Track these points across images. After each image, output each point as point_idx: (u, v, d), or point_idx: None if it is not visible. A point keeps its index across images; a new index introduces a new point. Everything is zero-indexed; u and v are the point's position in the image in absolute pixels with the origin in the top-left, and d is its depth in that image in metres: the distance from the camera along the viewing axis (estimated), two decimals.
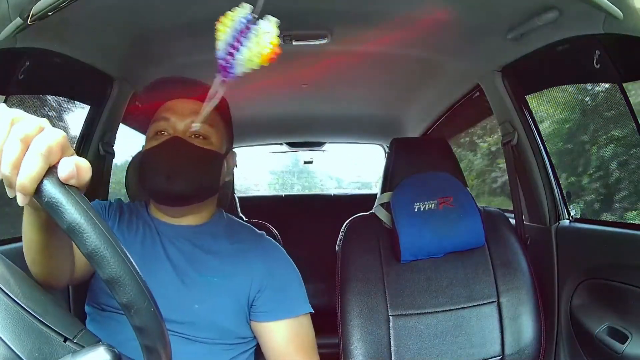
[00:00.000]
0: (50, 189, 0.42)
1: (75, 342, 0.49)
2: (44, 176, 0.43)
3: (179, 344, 0.87)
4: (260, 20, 0.55)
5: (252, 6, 0.56)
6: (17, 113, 0.44)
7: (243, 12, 0.55)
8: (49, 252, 0.66)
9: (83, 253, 0.43)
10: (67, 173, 0.43)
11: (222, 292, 0.91)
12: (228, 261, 0.94)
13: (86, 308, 0.95)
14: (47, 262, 0.68)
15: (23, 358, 0.45)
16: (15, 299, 0.49)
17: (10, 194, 0.45)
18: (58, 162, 0.44)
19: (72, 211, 0.42)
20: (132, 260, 0.46)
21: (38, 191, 0.43)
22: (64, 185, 0.43)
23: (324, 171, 4.48)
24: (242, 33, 0.55)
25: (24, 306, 0.49)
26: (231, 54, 0.55)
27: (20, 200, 0.44)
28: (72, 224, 0.42)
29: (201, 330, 0.89)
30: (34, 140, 0.43)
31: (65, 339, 0.48)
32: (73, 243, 0.75)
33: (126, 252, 0.45)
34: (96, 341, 0.50)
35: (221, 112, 0.99)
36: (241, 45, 0.54)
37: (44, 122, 0.45)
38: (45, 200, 0.42)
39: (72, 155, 0.45)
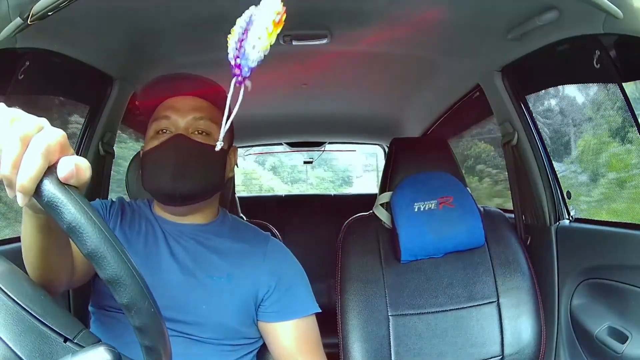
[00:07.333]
0: (50, 188, 0.42)
1: (76, 343, 0.49)
2: (43, 176, 0.42)
3: (184, 346, 0.86)
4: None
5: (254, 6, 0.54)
6: (16, 112, 0.44)
7: (247, 13, 0.54)
8: (48, 257, 0.66)
9: (83, 253, 0.43)
10: (66, 172, 0.43)
11: (229, 292, 0.91)
12: (235, 262, 0.93)
13: (90, 309, 0.94)
14: (46, 266, 0.67)
15: (23, 358, 0.45)
16: (16, 299, 0.49)
17: (10, 194, 0.44)
18: (57, 162, 0.43)
19: (72, 211, 0.42)
20: (132, 260, 0.45)
21: (38, 191, 0.42)
22: (63, 184, 0.43)
23: None
24: (247, 28, 0.53)
25: (24, 306, 0.49)
26: (239, 49, 0.53)
27: (20, 201, 0.43)
28: (72, 224, 0.42)
29: (208, 331, 0.88)
30: (33, 139, 0.43)
31: (66, 339, 0.48)
32: (72, 246, 0.75)
33: (126, 252, 0.45)
34: (96, 341, 0.50)
35: (222, 108, 0.98)
36: (247, 37, 0.52)
37: (44, 121, 0.45)
38: (45, 200, 0.42)
39: (71, 154, 0.45)
